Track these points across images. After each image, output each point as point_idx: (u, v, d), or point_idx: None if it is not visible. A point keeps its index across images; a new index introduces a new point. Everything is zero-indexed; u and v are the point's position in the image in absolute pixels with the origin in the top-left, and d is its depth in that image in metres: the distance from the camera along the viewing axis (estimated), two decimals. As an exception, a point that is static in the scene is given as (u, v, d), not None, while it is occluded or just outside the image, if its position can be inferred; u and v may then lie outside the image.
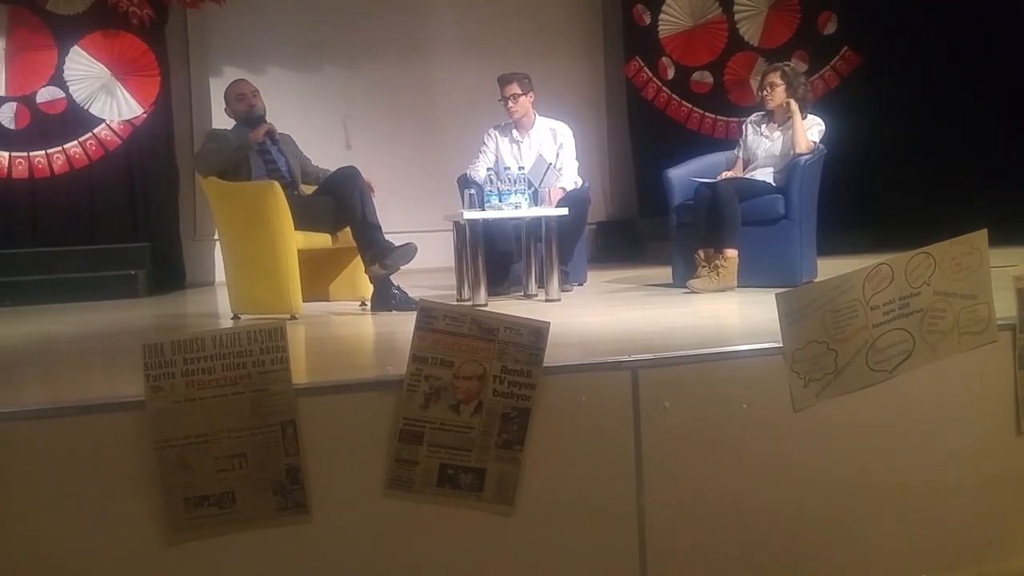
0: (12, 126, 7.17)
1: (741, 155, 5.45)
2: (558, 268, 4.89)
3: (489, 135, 5.78)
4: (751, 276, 4.91)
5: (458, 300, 4.94)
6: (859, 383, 2.64)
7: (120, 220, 7.43)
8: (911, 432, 2.72)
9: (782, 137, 5.22)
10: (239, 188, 4.66)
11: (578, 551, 2.48)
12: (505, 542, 2.44)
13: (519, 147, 5.68)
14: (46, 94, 7.25)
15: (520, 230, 5.27)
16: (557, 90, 7.40)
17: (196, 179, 6.34)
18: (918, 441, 2.72)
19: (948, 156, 7.62)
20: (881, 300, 2.66)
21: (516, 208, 4.85)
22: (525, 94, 5.57)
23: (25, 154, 7.18)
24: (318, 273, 4.97)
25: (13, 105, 7.18)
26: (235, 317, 4.66)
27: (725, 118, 8.48)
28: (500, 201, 4.83)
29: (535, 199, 4.98)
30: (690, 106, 8.60)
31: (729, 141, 6.98)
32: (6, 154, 7.14)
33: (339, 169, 4.80)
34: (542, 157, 5.42)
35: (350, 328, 4.31)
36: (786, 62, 5.66)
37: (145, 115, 7.47)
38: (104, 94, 7.37)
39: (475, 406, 2.39)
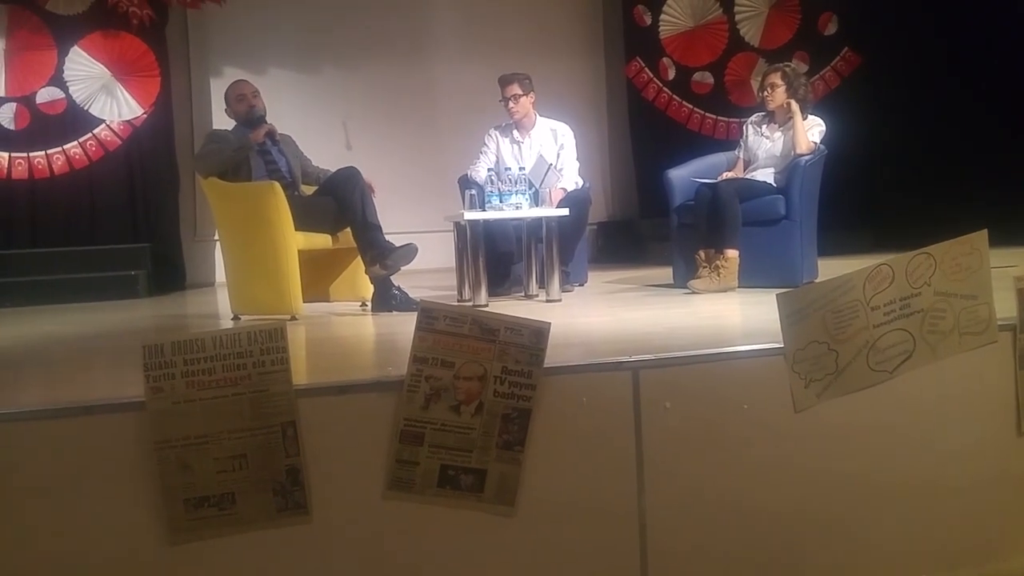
0: (12, 127, 7.17)
1: (742, 156, 5.45)
2: (559, 269, 4.89)
3: (490, 135, 5.78)
4: (752, 276, 4.91)
5: (459, 301, 4.94)
6: (860, 383, 2.64)
7: (120, 221, 7.44)
8: (912, 432, 2.72)
9: (783, 138, 5.22)
10: (239, 189, 4.66)
11: (579, 552, 2.48)
12: (506, 543, 2.44)
13: (520, 148, 5.68)
14: (46, 94, 7.26)
15: (521, 231, 5.27)
16: (558, 91, 7.41)
17: (196, 180, 6.35)
18: (919, 441, 2.72)
19: (948, 156, 7.63)
20: (882, 300, 2.66)
21: (517, 209, 4.85)
22: (526, 94, 5.57)
23: (25, 155, 7.19)
24: (318, 274, 4.97)
25: (13, 105, 7.18)
26: (235, 318, 4.65)
27: (726, 119, 8.49)
28: (501, 202, 4.83)
29: (536, 200, 4.98)
30: (691, 107, 8.60)
31: (730, 142, 6.98)
32: (6, 155, 7.14)
33: (339, 170, 4.80)
34: (543, 158, 5.42)
35: (350, 329, 4.31)
36: (787, 63, 5.66)
37: (145, 116, 7.48)
38: (104, 94, 7.37)
39: (476, 407, 2.38)
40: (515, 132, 5.70)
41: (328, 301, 5.09)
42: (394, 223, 5.04)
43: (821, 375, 2.61)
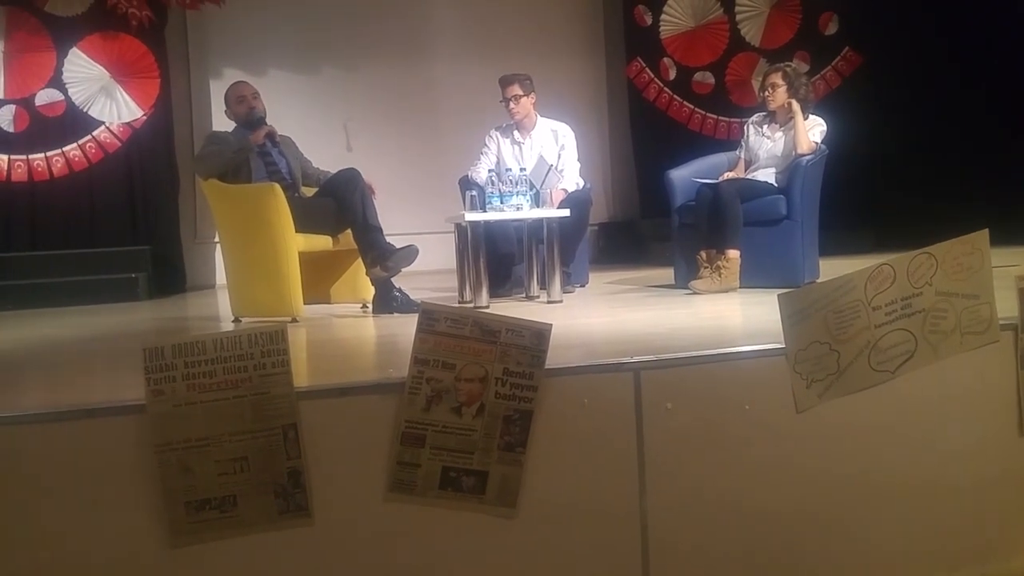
0: (11, 129, 7.17)
1: (743, 156, 5.45)
2: (560, 270, 4.88)
3: (490, 136, 5.78)
4: (753, 277, 4.91)
5: (460, 302, 4.94)
6: (861, 384, 2.64)
7: (120, 223, 7.43)
8: (913, 432, 2.71)
9: (784, 138, 5.22)
10: (240, 190, 4.66)
11: (581, 553, 2.47)
12: (508, 544, 2.43)
13: (520, 148, 5.68)
14: (45, 96, 7.25)
15: (522, 232, 5.27)
16: (558, 91, 7.41)
17: (196, 181, 6.35)
18: (920, 441, 2.72)
19: (948, 156, 7.64)
20: (883, 300, 2.66)
21: (518, 210, 4.84)
22: (527, 95, 5.57)
23: (24, 157, 7.18)
24: (319, 275, 4.97)
25: (12, 108, 7.18)
26: (236, 320, 4.65)
27: (727, 119, 8.49)
28: (501, 203, 4.83)
29: (536, 200, 4.98)
30: (692, 107, 8.60)
31: (731, 142, 6.99)
32: (5, 157, 7.14)
33: (340, 171, 4.79)
34: (543, 158, 5.41)
35: (351, 331, 4.31)
36: (787, 63, 5.66)
37: (145, 117, 7.47)
38: (103, 96, 7.37)
39: (477, 408, 2.38)
40: (516, 133, 5.70)
41: (329, 303, 5.08)
42: (395, 224, 5.04)
43: (823, 375, 2.60)
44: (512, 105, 5.57)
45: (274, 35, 8.18)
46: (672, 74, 8.57)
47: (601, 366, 2.56)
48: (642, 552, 2.51)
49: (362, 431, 2.37)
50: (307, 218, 4.58)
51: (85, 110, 7.33)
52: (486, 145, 5.77)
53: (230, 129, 5.03)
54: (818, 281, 3.88)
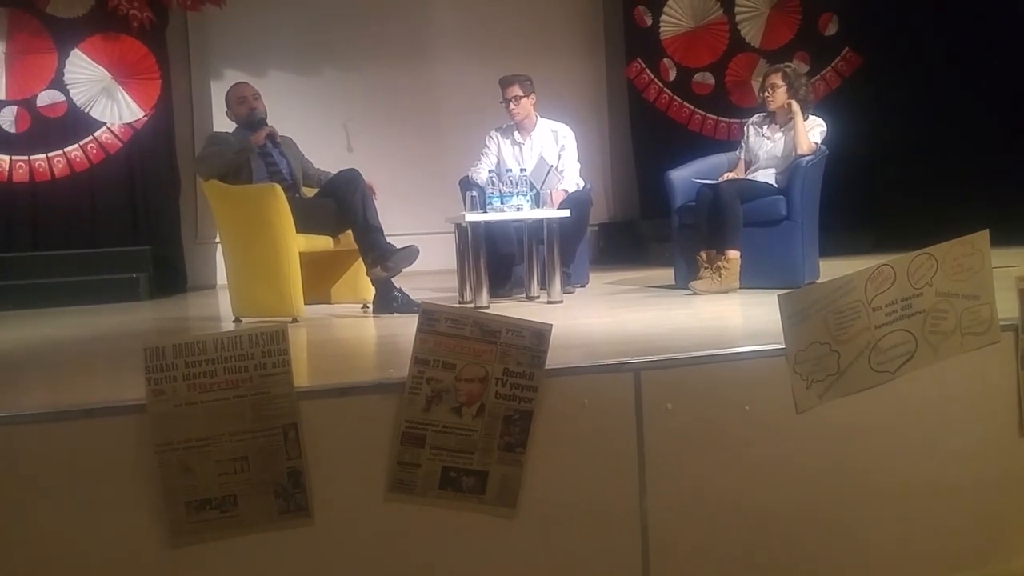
0: (12, 130, 7.17)
1: (743, 156, 5.45)
2: (560, 270, 4.88)
3: (491, 137, 5.78)
4: (753, 277, 4.91)
5: (460, 302, 4.94)
6: (862, 384, 2.64)
7: (121, 223, 7.44)
8: (913, 433, 2.71)
9: (784, 138, 5.22)
10: (240, 191, 4.66)
11: (581, 553, 2.48)
12: (508, 545, 2.43)
13: (521, 149, 5.68)
14: (46, 97, 7.26)
15: (522, 232, 5.27)
16: (559, 92, 7.41)
17: (197, 182, 6.36)
18: (920, 442, 2.72)
19: (948, 156, 7.63)
20: (883, 301, 2.66)
21: (518, 210, 4.84)
22: (527, 96, 5.57)
23: (26, 158, 7.19)
24: (320, 276, 4.97)
25: (13, 109, 7.18)
26: (236, 320, 4.65)
27: (727, 119, 8.49)
28: (502, 203, 4.83)
29: (537, 201, 4.98)
30: (691, 107, 8.60)
31: (731, 142, 6.99)
32: (7, 158, 7.14)
33: (340, 172, 4.80)
34: (544, 159, 5.41)
35: (352, 331, 4.31)
36: (787, 63, 5.66)
37: (146, 118, 7.48)
38: (105, 97, 7.37)
39: (477, 408, 2.38)
40: (516, 133, 5.71)
41: (329, 303, 5.09)
42: (395, 225, 5.05)
43: (823, 376, 2.61)
44: (512, 106, 5.57)
45: (275, 36, 8.18)
46: (672, 75, 8.57)
47: (601, 366, 2.56)
48: (642, 552, 2.51)
49: (362, 431, 2.37)
50: (308, 218, 4.58)
51: (86, 111, 7.33)
52: (486, 146, 5.77)
53: (231, 130, 5.03)
54: (818, 282, 3.88)
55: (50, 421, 2.28)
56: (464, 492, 2.39)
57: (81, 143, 7.33)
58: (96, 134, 7.36)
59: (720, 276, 4.86)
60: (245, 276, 4.66)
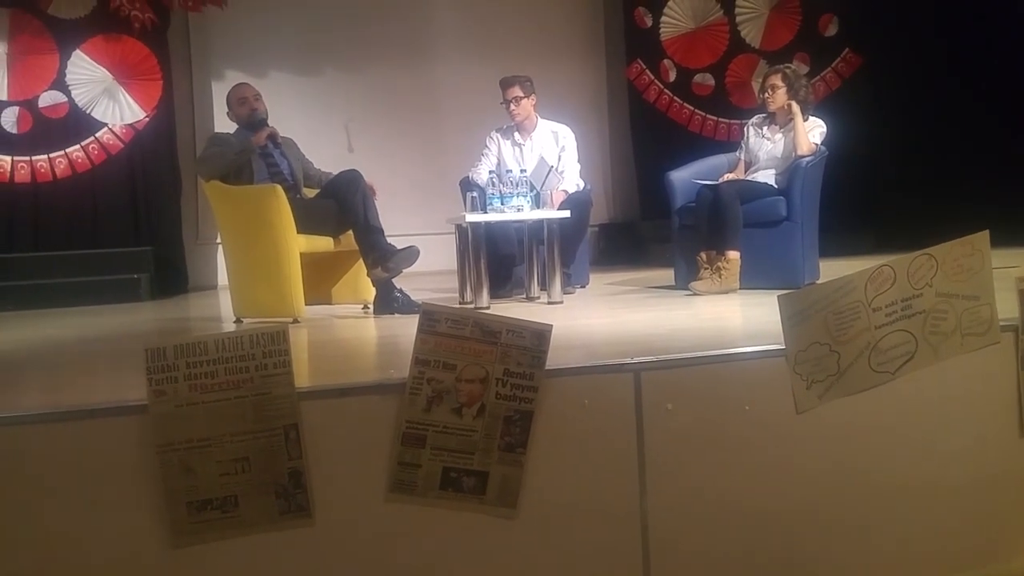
0: (14, 130, 7.18)
1: (743, 157, 5.45)
2: (560, 271, 4.89)
3: (491, 138, 5.78)
4: (753, 278, 4.91)
5: (460, 303, 4.94)
6: (862, 385, 2.64)
7: (122, 224, 7.44)
8: (913, 433, 2.72)
9: (783, 139, 5.22)
10: (241, 192, 4.67)
11: (581, 553, 2.48)
12: (508, 545, 2.44)
13: (521, 150, 5.68)
14: (48, 98, 7.26)
15: (522, 233, 5.28)
16: (559, 93, 7.41)
17: (198, 183, 6.37)
18: (920, 442, 2.72)
19: (948, 156, 7.64)
20: (883, 302, 2.66)
21: (518, 211, 4.85)
22: (527, 97, 5.58)
23: (27, 158, 7.19)
24: (320, 276, 4.97)
25: (15, 109, 7.19)
26: (237, 321, 4.66)
27: (727, 120, 8.50)
28: (502, 204, 4.84)
29: (537, 202, 4.99)
30: (692, 108, 8.61)
31: (731, 143, 7.00)
32: (8, 158, 7.15)
33: (341, 172, 4.80)
34: (544, 160, 5.42)
35: (352, 331, 4.32)
36: (787, 64, 5.68)
37: (147, 119, 7.48)
38: (106, 98, 7.38)
39: (477, 409, 2.39)
40: (516, 134, 5.71)
41: (330, 304, 5.09)
42: (396, 225, 5.05)
43: (823, 376, 2.61)
44: (513, 107, 5.57)
45: (276, 37, 8.18)
46: (672, 76, 8.57)
47: (602, 367, 2.56)
48: (643, 552, 2.51)
49: (363, 431, 2.38)
50: (309, 219, 4.59)
51: (88, 112, 7.34)
52: (487, 146, 5.77)
53: (232, 131, 5.04)
54: (818, 282, 3.89)
55: (51, 422, 2.28)
56: (465, 492, 2.39)
57: (83, 144, 7.33)
58: (98, 135, 7.37)
59: (720, 277, 4.87)
60: (246, 277, 4.67)
